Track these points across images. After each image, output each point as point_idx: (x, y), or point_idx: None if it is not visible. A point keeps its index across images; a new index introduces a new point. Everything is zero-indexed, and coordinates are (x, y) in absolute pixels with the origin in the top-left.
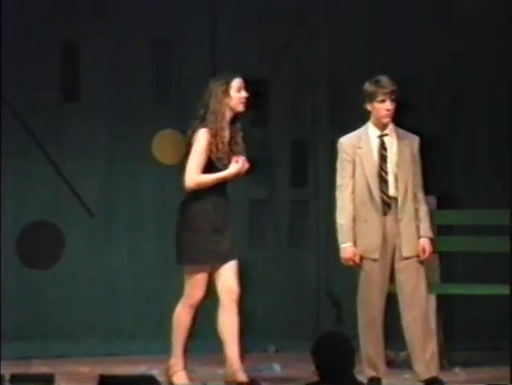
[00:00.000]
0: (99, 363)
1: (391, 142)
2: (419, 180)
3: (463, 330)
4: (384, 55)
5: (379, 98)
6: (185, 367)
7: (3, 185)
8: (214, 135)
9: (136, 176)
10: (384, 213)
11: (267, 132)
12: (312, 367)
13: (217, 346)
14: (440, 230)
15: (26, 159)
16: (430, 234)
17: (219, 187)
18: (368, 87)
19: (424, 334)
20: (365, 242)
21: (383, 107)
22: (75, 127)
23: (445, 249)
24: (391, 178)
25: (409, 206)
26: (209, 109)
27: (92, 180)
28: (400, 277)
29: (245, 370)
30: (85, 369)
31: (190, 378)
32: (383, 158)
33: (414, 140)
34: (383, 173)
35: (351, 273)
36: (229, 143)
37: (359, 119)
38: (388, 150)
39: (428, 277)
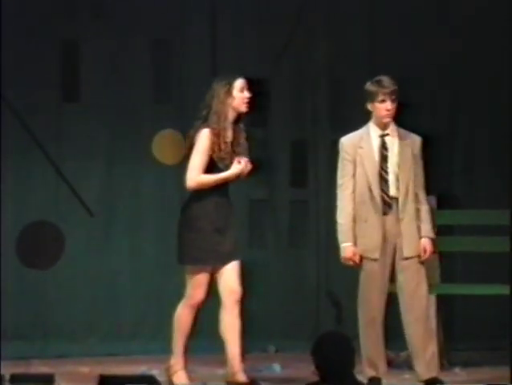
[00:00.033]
0: (99, 363)
1: (392, 142)
2: (420, 180)
3: (463, 330)
4: (384, 55)
5: (380, 98)
6: (186, 367)
7: (3, 185)
8: (217, 135)
9: (136, 176)
10: (385, 213)
11: (267, 132)
12: (312, 367)
13: (217, 346)
14: (440, 230)
15: (26, 159)
16: (431, 234)
17: (221, 187)
18: (369, 86)
19: (425, 334)
20: (365, 242)
21: (383, 107)
22: (75, 127)
23: (445, 249)
24: (391, 178)
25: (410, 206)
26: (211, 109)
27: (92, 180)
28: (401, 277)
29: (246, 371)
30: (85, 369)
31: (190, 378)
32: (383, 158)
33: (416, 140)
34: (383, 173)
35: (351, 273)
36: (232, 143)
37: (359, 119)
38: (389, 150)
39: (428, 277)
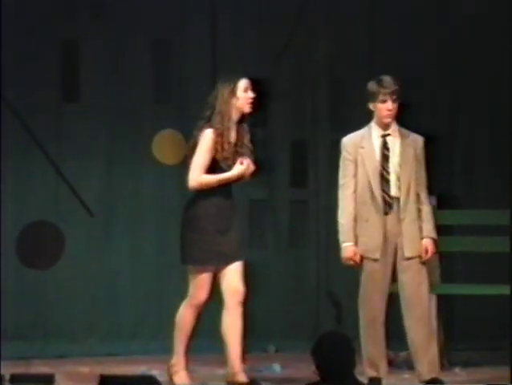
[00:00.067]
0: (99, 363)
1: (393, 142)
2: (423, 180)
3: (463, 330)
4: (384, 55)
5: (381, 98)
6: (187, 367)
7: (3, 185)
8: (220, 135)
9: (136, 176)
10: (385, 213)
11: (267, 132)
12: (312, 367)
13: (217, 346)
14: (440, 230)
15: (26, 159)
16: (433, 235)
17: (223, 188)
18: (371, 86)
19: (427, 334)
20: (366, 242)
21: (384, 107)
22: (75, 127)
23: (445, 249)
24: (393, 178)
25: (411, 206)
26: (215, 109)
27: (92, 180)
28: (402, 277)
29: (246, 371)
30: (85, 369)
31: (191, 379)
32: (385, 158)
33: (418, 140)
34: (384, 173)
35: (351, 273)
36: (236, 144)
37: (359, 119)
38: (391, 150)
39: (428, 277)
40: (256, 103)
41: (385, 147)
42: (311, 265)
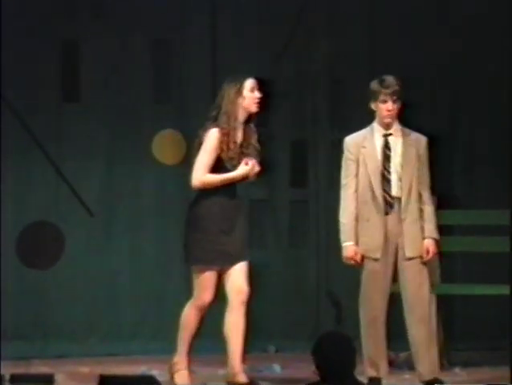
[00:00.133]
0: (99, 363)
1: (395, 142)
2: (425, 180)
3: (463, 330)
4: (383, 55)
5: (382, 98)
6: (189, 367)
7: (3, 185)
8: (226, 134)
9: (136, 176)
10: (386, 213)
11: (267, 132)
12: (312, 367)
13: (217, 346)
14: (440, 230)
15: (26, 159)
16: (435, 235)
17: (228, 188)
18: (373, 85)
19: (428, 334)
20: (367, 241)
21: (384, 107)
22: (75, 127)
23: (445, 249)
24: (394, 177)
25: (413, 206)
26: (221, 109)
27: (92, 180)
28: (403, 277)
29: (246, 371)
30: (85, 369)
31: (192, 379)
32: (386, 157)
33: (421, 140)
34: (385, 173)
35: (351, 273)
36: (242, 144)
37: (359, 119)
38: (392, 149)
39: (429, 277)
40: (262, 103)
41: (387, 146)
42: (311, 265)
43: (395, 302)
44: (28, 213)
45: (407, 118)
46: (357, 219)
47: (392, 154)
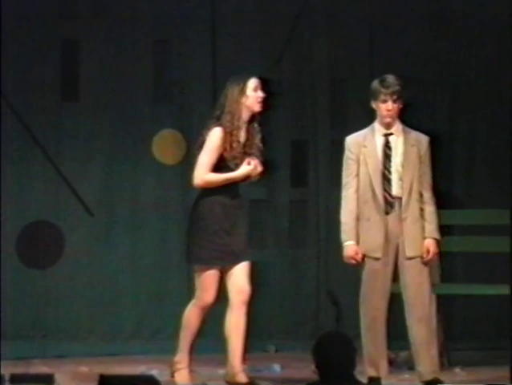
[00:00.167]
0: (99, 363)
1: (396, 141)
2: (427, 180)
3: (463, 330)
4: (384, 55)
5: (382, 97)
6: (190, 366)
7: (3, 185)
8: (230, 133)
9: (136, 176)
10: (386, 212)
11: (267, 132)
12: (312, 367)
13: (217, 346)
14: (440, 230)
15: (26, 159)
16: (435, 235)
17: (230, 187)
18: (373, 85)
19: (429, 334)
20: (367, 241)
21: (384, 107)
22: (75, 127)
23: (445, 249)
24: (394, 177)
25: (414, 206)
26: (225, 109)
27: (92, 180)
28: (404, 277)
29: (246, 371)
30: (85, 369)
31: (192, 378)
32: (387, 157)
33: (422, 140)
34: (386, 172)
35: (351, 272)
36: (245, 144)
37: (359, 119)
38: (393, 149)
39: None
40: (266, 103)
41: (387, 146)
42: (311, 265)
43: (395, 302)
44: (28, 213)
45: (407, 118)
46: (358, 218)
47: (393, 153)
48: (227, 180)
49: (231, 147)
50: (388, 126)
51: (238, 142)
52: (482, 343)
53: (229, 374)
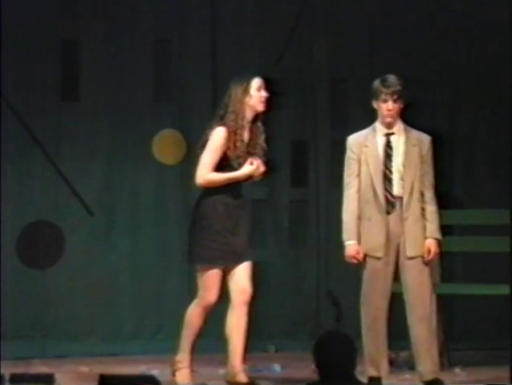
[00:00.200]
0: (99, 363)
1: (397, 141)
2: (429, 179)
3: (463, 330)
4: (384, 55)
5: (382, 97)
6: (191, 366)
7: (3, 185)
8: (233, 133)
9: (136, 176)
10: (388, 212)
11: (267, 132)
12: (312, 367)
13: (217, 346)
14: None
15: (26, 159)
16: (437, 235)
17: (232, 187)
18: (375, 84)
19: (429, 334)
20: (369, 240)
21: (384, 107)
22: (75, 127)
23: (445, 249)
24: (396, 177)
25: (415, 206)
26: (228, 108)
27: (92, 180)
28: (405, 277)
29: (246, 371)
30: (85, 369)
31: (193, 378)
32: (388, 156)
33: (424, 140)
34: (387, 172)
35: (351, 272)
36: (248, 143)
37: (359, 118)
38: (394, 149)
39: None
40: (269, 103)
41: (388, 146)
42: (311, 264)
43: (396, 302)
44: (28, 213)
45: (407, 118)
46: (359, 218)
47: (394, 153)
48: (229, 179)
49: (235, 146)
50: (389, 126)
51: (242, 141)
52: (482, 343)
53: (229, 373)
